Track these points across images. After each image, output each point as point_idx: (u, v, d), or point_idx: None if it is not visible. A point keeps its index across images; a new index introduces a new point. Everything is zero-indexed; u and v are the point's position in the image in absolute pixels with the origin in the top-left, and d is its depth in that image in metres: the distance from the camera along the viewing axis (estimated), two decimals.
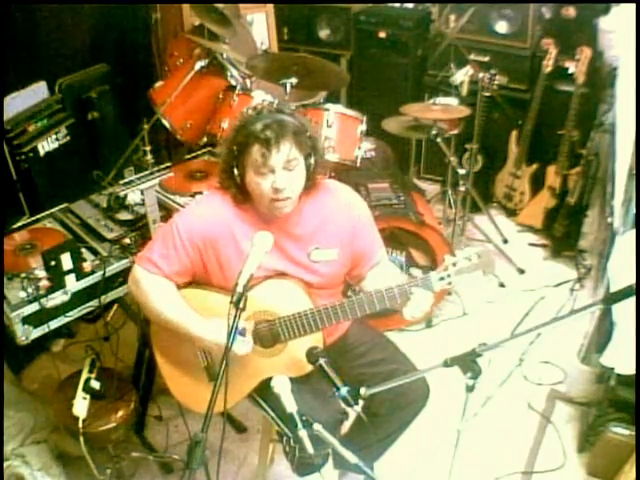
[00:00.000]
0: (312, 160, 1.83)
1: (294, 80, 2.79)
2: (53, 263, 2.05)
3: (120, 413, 2.26)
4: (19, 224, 2.46)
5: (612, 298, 1.54)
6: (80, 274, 2.15)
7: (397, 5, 4.33)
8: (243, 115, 1.86)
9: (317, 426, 1.56)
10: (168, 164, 2.65)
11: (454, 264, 1.78)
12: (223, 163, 1.87)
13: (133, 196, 2.44)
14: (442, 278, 1.79)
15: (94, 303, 2.21)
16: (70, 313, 2.16)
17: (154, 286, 1.87)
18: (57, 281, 2.09)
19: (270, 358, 1.91)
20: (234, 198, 1.87)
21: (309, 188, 1.87)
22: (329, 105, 2.86)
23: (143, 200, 2.33)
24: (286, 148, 1.75)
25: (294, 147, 1.76)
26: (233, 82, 3.04)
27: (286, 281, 1.89)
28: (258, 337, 1.90)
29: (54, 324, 2.12)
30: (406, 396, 1.99)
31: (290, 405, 1.59)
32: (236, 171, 1.82)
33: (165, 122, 3.00)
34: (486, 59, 3.85)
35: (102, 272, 2.18)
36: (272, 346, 1.91)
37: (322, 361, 1.72)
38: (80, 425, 2.15)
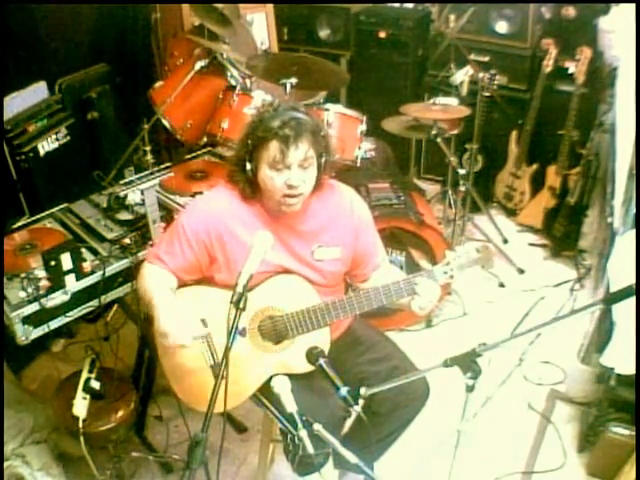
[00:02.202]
0: (323, 159, 1.86)
1: (294, 80, 2.79)
2: (53, 263, 2.05)
3: (120, 413, 2.26)
4: (19, 224, 2.46)
5: (612, 298, 1.54)
6: (80, 274, 2.15)
7: (397, 5, 4.33)
8: (259, 110, 1.88)
9: (317, 426, 1.56)
10: (168, 164, 2.66)
11: (455, 259, 1.83)
12: (235, 156, 1.89)
13: (133, 196, 2.44)
14: (445, 272, 1.84)
15: (94, 303, 2.21)
16: (70, 313, 2.16)
17: (151, 273, 1.90)
18: (57, 281, 2.09)
19: (277, 354, 1.92)
20: (242, 193, 1.89)
21: (316, 187, 1.90)
22: (329, 105, 2.86)
23: (143, 200, 2.33)
24: (304, 147, 1.78)
25: (311, 146, 1.79)
26: (233, 82, 3.03)
27: (293, 277, 1.90)
28: (264, 334, 1.91)
29: (54, 324, 2.12)
30: (406, 395, 2.00)
31: (290, 405, 1.59)
32: (249, 165, 1.84)
33: (165, 122, 2.99)
34: (486, 59, 3.85)
35: (102, 272, 2.18)
36: (279, 342, 1.92)
37: (322, 361, 1.72)
38: (80, 425, 2.15)
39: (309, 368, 1.87)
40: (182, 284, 1.94)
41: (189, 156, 2.98)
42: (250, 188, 1.88)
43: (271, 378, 1.65)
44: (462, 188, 3.51)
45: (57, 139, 2.79)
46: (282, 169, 1.79)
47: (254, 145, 1.81)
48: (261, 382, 1.94)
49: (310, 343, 1.82)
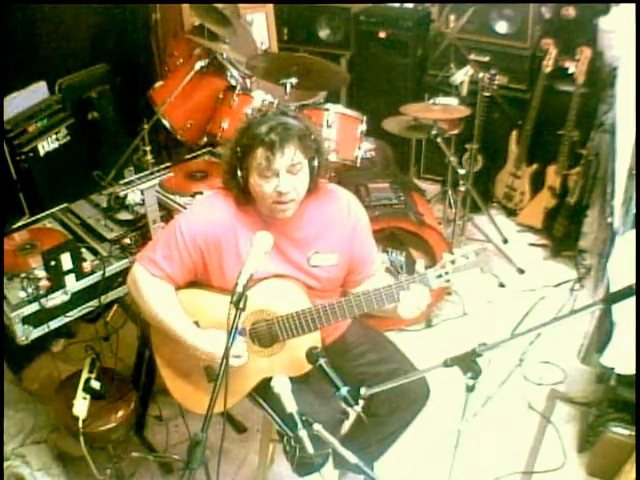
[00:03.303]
0: (315, 163, 1.83)
1: (294, 80, 2.79)
2: (53, 263, 2.05)
3: (120, 413, 2.26)
4: (19, 224, 2.46)
5: (612, 298, 1.54)
6: (80, 274, 2.15)
7: (397, 5, 4.33)
8: (248, 117, 1.86)
9: (317, 426, 1.56)
10: (168, 164, 2.65)
11: (452, 262, 1.78)
12: (226, 164, 1.86)
13: (133, 196, 2.44)
14: (440, 276, 1.79)
15: (94, 303, 2.21)
16: (70, 313, 2.16)
17: (153, 288, 1.87)
18: (57, 281, 2.09)
19: (269, 357, 1.92)
20: (236, 199, 1.87)
21: (311, 191, 1.87)
22: (329, 105, 2.86)
23: (143, 200, 2.33)
24: (290, 152, 1.74)
25: (298, 151, 1.76)
26: (233, 82, 3.03)
27: (285, 281, 1.89)
28: (257, 336, 1.91)
29: (54, 324, 2.12)
30: (406, 396, 2.00)
31: (290, 405, 1.59)
32: (239, 173, 1.81)
33: (165, 122, 3.00)
34: (486, 59, 3.85)
35: (102, 272, 2.18)
36: (270, 345, 1.91)
37: (322, 361, 1.72)
38: (80, 425, 2.15)
39: (300, 372, 1.88)
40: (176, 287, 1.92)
41: (189, 156, 2.98)
42: (243, 195, 1.85)
43: (270, 379, 1.66)
44: (462, 188, 3.51)
45: (57, 139, 2.78)
46: (270, 176, 1.75)
47: (243, 152, 1.79)
48: (252, 385, 1.94)
49: (301, 346, 1.82)
